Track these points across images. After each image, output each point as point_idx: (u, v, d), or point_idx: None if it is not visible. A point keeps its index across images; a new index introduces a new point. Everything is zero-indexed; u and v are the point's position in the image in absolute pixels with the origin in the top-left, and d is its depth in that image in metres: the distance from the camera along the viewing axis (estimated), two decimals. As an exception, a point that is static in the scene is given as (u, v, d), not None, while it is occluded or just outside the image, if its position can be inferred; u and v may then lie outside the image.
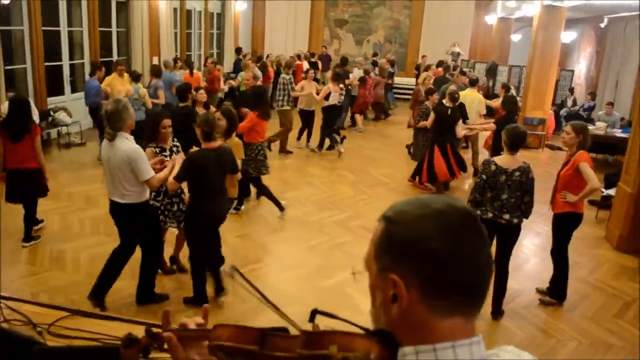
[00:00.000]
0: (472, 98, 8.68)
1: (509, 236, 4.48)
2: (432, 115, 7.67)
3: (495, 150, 7.27)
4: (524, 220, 4.55)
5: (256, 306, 4.51)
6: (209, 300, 4.53)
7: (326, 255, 5.71)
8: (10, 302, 2.35)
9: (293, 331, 1.00)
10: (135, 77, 8.77)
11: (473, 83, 9.31)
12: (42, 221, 5.84)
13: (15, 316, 2.28)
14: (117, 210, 4.23)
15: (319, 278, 5.17)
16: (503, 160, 4.44)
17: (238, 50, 15.02)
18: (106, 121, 4.03)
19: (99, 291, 4.37)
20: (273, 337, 0.96)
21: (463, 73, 12.33)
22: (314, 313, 1.00)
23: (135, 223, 4.27)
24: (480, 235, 0.90)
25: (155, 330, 1.18)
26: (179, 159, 4.36)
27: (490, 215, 4.39)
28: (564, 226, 4.81)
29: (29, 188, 5.39)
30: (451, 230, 0.87)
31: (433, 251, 0.85)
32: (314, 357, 0.88)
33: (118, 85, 8.64)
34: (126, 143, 4.02)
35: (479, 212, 4.40)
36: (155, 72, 9.32)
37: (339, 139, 10.23)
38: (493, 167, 4.39)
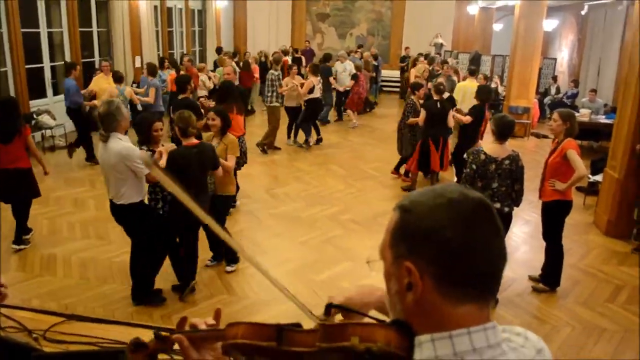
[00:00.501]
0: (472, 88, 8.72)
1: (505, 225, 4.53)
2: (422, 113, 7.57)
3: (467, 138, 7.46)
4: (515, 208, 4.59)
5: (252, 304, 4.51)
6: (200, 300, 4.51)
7: (318, 250, 5.70)
8: (3, 309, 2.32)
9: (307, 325, 0.98)
10: (118, 78, 8.69)
11: (472, 73, 9.66)
12: (30, 230, 5.75)
13: (9, 323, 2.24)
14: (115, 211, 4.27)
15: (312, 272, 5.16)
16: (492, 149, 4.47)
17: (219, 50, 14.88)
18: (100, 123, 4.02)
19: (142, 291, 4.46)
20: (290, 332, 0.94)
21: (445, 62, 12.42)
22: (329, 307, 1.01)
23: (130, 223, 4.26)
24: (493, 224, 0.90)
25: (163, 333, 1.15)
26: (164, 150, 4.34)
27: None
28: (554, 214, 4.83)
29: (21, 189, 5.35)
30: (464, 220, 0.88)
31: (447, 240, 0.86)
32: (335, 350, 0.87)
33: (104, 84, 8.61)
34: (118, 143, 4.02)
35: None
36: (151, 70, 9.25)
37: (314, 135, 10.36)
38: (482, 157, 4.43)
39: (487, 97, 7.84)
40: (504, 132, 4.48)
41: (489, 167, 4.40)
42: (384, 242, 0.96)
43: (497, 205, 4.44)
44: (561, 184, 4.66)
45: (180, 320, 1.18)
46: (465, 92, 9.00)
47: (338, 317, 1.18)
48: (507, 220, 4.54)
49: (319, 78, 10.27)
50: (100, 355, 2.01)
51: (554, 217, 4.84)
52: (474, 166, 4.45)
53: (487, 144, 4.69)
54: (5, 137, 5.19)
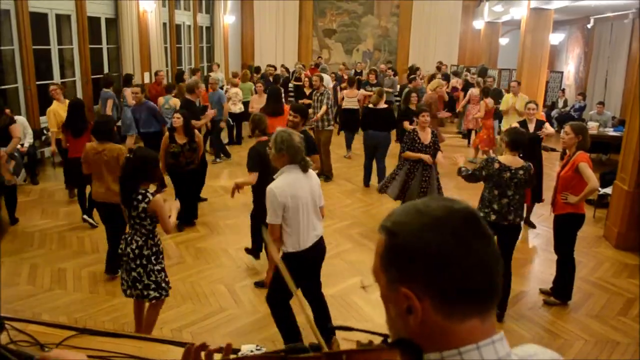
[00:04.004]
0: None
1: (512, 237, 4.56)
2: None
3: None
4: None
5: (262, 318, 4.49)
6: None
7: (328, 264, 5.66)
8: (15, 323, 2.33)
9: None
10: (168, 89, 8.96)
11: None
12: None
13: (21, 337, 2.25)
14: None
15: (322, 287, 5.14)
16: (506, 159, 4.55)
17: (252, 68, 14.50)
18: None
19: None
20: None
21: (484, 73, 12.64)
22: (332, 329, 0.98)
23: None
24: (484, 235, 0.89)
25: None
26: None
27: (493, 217, 4.47)
28: (566, 227, 4.81)
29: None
30: (454, 237, 0.86)
31: (439, 261, 0.85)
32: None
33: (60, 111, 7.28)
34: None
35: (482, 214, 4.46)
36: (106, 82, 9.53)
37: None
38: (497, 165, 4.50)
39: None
40: (516, 144, 4.53)
41: (503, 176, 4.47)
42: (375, 265, 0.94)
43: (511, 217, 4.49)
44: (573, 197, 4.64)
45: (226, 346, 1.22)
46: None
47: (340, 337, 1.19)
48: (517, 232, 4.60)
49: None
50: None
51: (566, 230, 4.82)
52: (483, 172, 4.55)
53: (501, 156, 4.69)
54: (77, 132, 6.49)
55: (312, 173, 3.78)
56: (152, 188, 3.86)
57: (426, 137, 6.43)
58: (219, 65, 15.05)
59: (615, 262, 5.96)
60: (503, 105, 9.30)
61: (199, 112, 8.19)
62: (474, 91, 11.66)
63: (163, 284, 3.84)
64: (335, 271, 5.49)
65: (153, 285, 3.78)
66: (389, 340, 0.94)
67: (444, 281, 0.85)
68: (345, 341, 0.97)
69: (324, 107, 8.71)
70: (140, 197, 3.68)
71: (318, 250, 3.85)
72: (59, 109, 7.38)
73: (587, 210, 6.89)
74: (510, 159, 4.53)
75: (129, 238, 3.79)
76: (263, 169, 4.85)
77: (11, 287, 4.97)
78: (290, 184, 3.57)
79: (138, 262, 3.74)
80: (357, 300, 4.81)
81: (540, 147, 7.00)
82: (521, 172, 4.48)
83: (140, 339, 2.43)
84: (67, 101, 7.18)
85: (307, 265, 3.80)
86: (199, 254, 5.87)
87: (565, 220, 4.79)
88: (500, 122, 9.79)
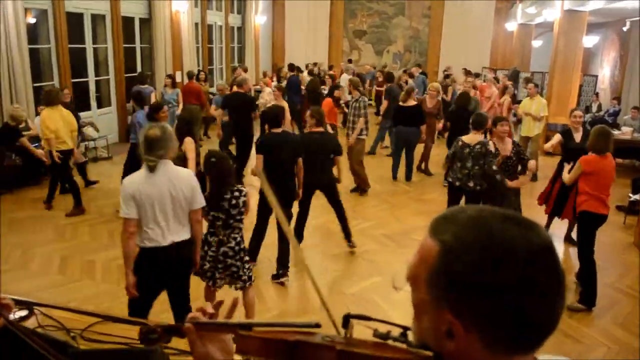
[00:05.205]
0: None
1: (476, 201, 5.55)
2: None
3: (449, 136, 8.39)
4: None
5: (281, 314, 4.55)
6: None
7: (350, 263, 5.73)
8: (43, 309, 2.42)
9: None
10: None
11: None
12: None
13: (48, 322, 2.34)
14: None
15: (343, 286, 5.19)
16: (467, 138, 5.65)
17: (292, 67, 14.13)
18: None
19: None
20: (304, 348, 0.90)
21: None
22: (347, 318, 0.92)
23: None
24: (558, 274, 0.78)
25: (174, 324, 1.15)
26: None
27: (457, 183, 5.67)
28: (582, 225, 4.92)
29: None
30: (529, 281, 0.75)
31: (507, 306, 0.75)
32: None
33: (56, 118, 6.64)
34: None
35: (450, 178, 5.86)
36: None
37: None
38: (460, 143, 5.66)
39: (464, 103, 8.59)
40: (478, 124, 5.64)
41: (464, 151, 5.58)
42: (417, 272, 0.83)
43: (470, 184, 5.58)
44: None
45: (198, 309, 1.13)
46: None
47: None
48: (478, 197, 5.57)
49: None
50: (133, 353, 2.09)
51: (582, 228, 4.91)
52: (452, 150, 5.73)
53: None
54: None
55: (184, 174, 3.48)
56: None
57: (506, 148, 5.73)
58: (246, 70, 14.42)
59: (644, 269, 5.84)
60: (521, 108, 9.25)
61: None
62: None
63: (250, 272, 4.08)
64: (357, 270, 5.54)
65: (248, 274, 4.01)
66: (409, 336, 0.87)
67: (504, 325, 0.76)
68: (362, 328, 0.93)
69: (361, 119, 8.03)
70: (237, 193, 3.84)
71: (171, 257, 3.43)
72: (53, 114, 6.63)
73: (617, 216, 6.82)
74: (471, 137, 5.62)
75: (225, 238, 3.87)
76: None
77: (43, 276, 5.15)
78: (142, 179, 3.34)
79: (238, 257, 3.89)
80: (378, 299, 4.85)
81: None
82: (478, 146, 5.52)
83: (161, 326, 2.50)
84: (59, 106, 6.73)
85: (155, 267, 3.46)
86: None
87: (581, 218, 4.89)
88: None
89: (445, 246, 0.79)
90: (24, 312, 2.35)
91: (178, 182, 3.36)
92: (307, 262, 5.66)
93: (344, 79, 13.17)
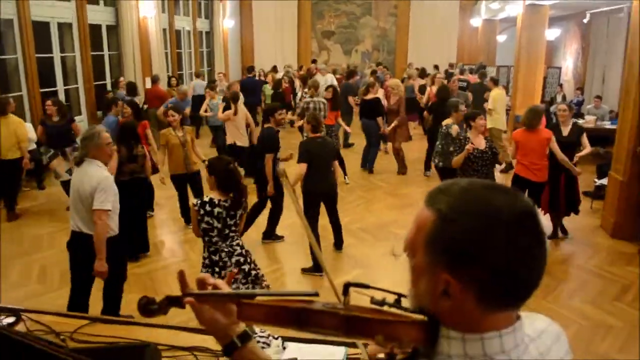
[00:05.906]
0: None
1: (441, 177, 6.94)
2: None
3: (429, 132, 9.04)
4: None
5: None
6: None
7: (330, 258, 5.82)
8: (31, 314, 2.45)
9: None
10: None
11: (496, 82, 10.41)
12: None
13: (37, 327, 2.37)
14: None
15: (325, 280, 5.28)
16: (445, 121, 6.97)
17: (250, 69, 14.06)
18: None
19: None
20: (310, 315, 0.95)
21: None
22: (347, 286, 0.97)
23: None
24: (540, 234, 0.87)
25: (174, 295, 1.16)
26: None
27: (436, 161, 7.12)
28: (513, 185, 5.84)
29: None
30: (516, 241, 0.83)
31: (495, 265, 0.83)
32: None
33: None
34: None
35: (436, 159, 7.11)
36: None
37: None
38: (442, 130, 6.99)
39: (445, 96, 8.71)
40: (450, 109, 6.96)
41: (440, 132, 7.02)
42: (415, 241, 0.91)
43: (436, 160, 7.08)
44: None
45: (179, 274, 1.13)
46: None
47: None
48: (441, 173, 6.98)
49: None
50: (128, 349, 2.13)
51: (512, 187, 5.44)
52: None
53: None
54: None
55: (93, 175, 3.81)
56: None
57: (481, 143, 5.74)
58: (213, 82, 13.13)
59: (612, 250, 6.07)
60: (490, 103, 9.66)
61: None
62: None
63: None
64: (338, 265, 5.66)
65: (261, 274, 4.07)
66: (406, 303, 0.93)
67: (495, 283, 0.84)
68: (359, 295, 0.97)
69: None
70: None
71: (74, 242, 4.05)
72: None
73: (584, 201, 7.04)
74: (446, 121, 6.98)
75: (227, 249, 3.80)
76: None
77: (22, 287, 5.12)
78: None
79: (249, 259, 3.91)
80: (361, 290, 4.96)
81: (573, 154, 6.30)
82: (444, 128, 6.92)
83: (150, 326, 2.54)
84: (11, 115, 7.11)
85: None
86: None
87: (513, 181, 6.10)
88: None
89: (440, 214, 0.86)
90: (11, 319, 2.38)
91: (87, 179, 3.81)
92: (290, 259, 5.76)
93: (330, 78, 13.37)
